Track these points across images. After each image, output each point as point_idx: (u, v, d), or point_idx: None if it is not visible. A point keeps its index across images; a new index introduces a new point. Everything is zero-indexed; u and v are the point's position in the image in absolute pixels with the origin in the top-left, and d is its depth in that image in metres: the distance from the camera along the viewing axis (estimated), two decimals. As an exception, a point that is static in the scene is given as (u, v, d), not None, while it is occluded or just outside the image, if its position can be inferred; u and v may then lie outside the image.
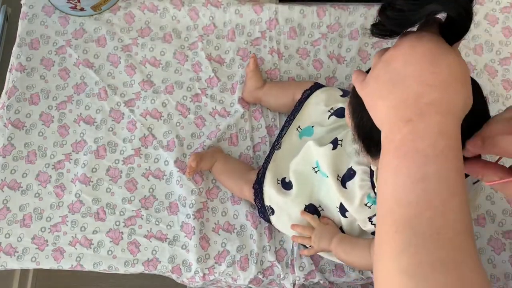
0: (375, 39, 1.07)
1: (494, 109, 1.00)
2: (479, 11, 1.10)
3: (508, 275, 0.91)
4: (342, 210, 0.78)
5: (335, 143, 0.78)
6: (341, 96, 0.89)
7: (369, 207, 0.73)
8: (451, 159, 0.40)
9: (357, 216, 0.76)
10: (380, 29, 0.45)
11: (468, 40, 1.07)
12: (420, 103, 0.41)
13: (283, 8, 1.08)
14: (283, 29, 1.07)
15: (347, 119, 0.59)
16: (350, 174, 0.74)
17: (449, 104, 0.41)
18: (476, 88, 0.48)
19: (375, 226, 0.72)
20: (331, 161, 0.77)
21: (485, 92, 0.95)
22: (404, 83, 0.42)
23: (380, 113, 0.44)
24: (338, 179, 0.76)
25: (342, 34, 1.07)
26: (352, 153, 0.75)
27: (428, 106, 0.41)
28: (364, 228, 0.77)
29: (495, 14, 1.10)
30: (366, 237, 0.80)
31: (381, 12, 0.44)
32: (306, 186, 0.83)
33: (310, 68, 1.05)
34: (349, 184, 0.75)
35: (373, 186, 0.71)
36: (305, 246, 0.87)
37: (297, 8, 1.08)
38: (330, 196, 0.80)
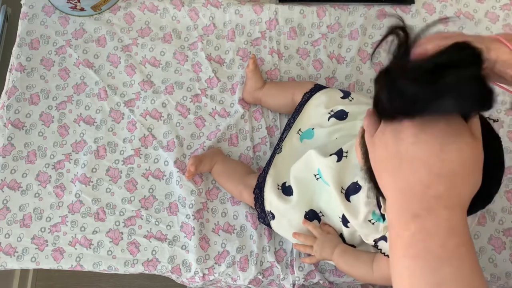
0: (375, 39, 1.07)
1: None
2: (480, 9, 1.09)
3: (509, 274, 0.90)
4: (345, 221, 0.77)
5: (339, 154, 0.76)
6: (341, 98, 0.88)
7: (373, 223, 0.72)
8: (464, 257, 0.40)
9: (360, 230, 0.75)
10: (382, 113, 0.45)
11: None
12: (428, 196, 0.40)
13: (283, 8, 1.08)
14: (283, 29, 1.07)
15: (359, 158, 0.57)
16: (355, 188, 0.73)
17: (457, 197, 0.41)
18: (498, 146, 0.48)
19: (380, 251, 0.73)
20: (335, 173, 0.75)
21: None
22: (411, 165, 0.41)
23: (386, 187, 0.44)
24: (342, 192, 0.74)
25: (342, 34, 1.07)
26: (358, 166, 0.74)
27: (436, 200, 0.40)
28: (365, 241, 0.76)
29: (495, 11, 1.10)
30: (367, 247, 0.80)
31: (381, 90, 0.43)
32: (307, 193, 0.82)
33: (310, 68, 1.05)
34: (353, 198, 0.73)
35: (378, 205, 0.70)
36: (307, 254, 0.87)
37: (297, 8, 1.08)
38: (332, 205, 0.79)
